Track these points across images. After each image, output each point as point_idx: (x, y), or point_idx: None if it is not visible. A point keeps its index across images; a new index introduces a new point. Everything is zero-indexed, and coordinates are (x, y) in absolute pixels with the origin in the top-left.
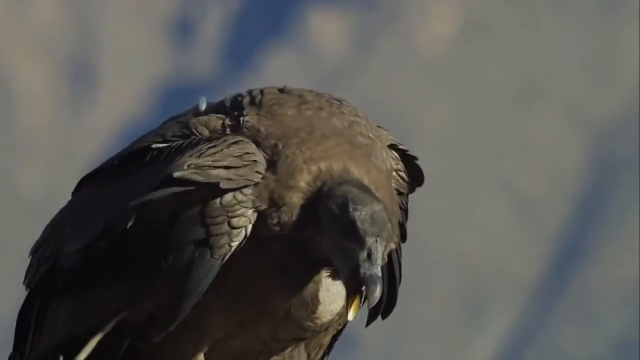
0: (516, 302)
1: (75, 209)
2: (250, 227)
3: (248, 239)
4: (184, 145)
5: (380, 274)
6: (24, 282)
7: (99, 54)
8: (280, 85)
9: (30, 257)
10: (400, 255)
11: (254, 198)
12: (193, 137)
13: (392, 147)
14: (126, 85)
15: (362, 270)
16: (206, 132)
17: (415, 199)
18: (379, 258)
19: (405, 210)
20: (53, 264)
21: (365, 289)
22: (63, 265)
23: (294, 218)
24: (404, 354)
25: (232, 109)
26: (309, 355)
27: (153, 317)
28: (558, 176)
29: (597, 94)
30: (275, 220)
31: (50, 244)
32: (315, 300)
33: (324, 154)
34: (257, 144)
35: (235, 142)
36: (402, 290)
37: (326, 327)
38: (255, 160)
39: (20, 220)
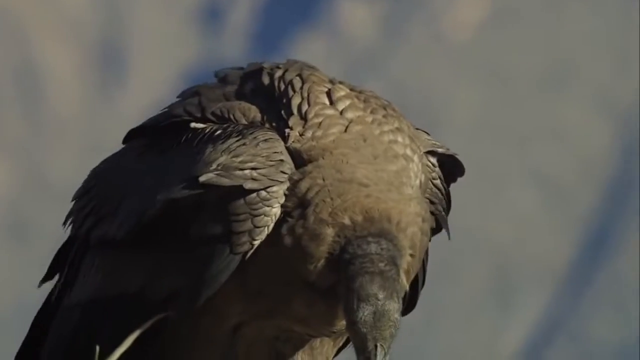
0: (546, 287)
1: (117, 175)
2: (272, 225)
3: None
4: (216, 133)
5: None
6: (63, 223)
7: (128, 40)
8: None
9: (73, 202)
10: (427, 260)
11: (277, 197)
12: (227, 124)
13: (431, 152)
14: (155, 72)
15: None
16: (243, 121)
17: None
18: None
19: (444, 209)
20: (91, 225)
21: None
22: (98, 228)
23: (317, 267)
24: (435, 340)
25: (278, 101)
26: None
27: (172, 298)
28: (587, 161)
29: (626, 79)
30: (301, 272)
31: (91, 202)
32: (333, 315)
33: (352, 202)
34: (295, 167)
35: (265, 140)
36: (432, 276)
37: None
38: (281, 160)
39: (49, 206)
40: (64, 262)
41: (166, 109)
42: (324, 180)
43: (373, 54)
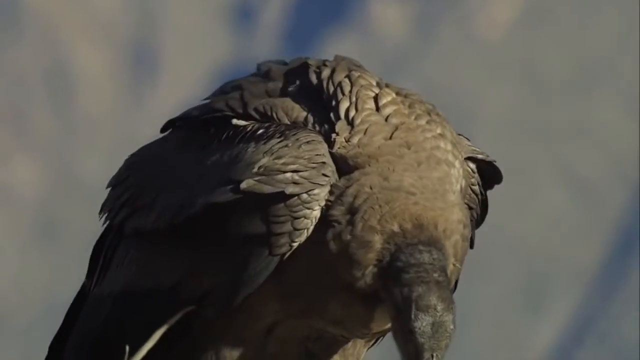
0: (577, 287)
1: (154, 166)
2: (312, 227)
3: (312, 247)
4: (258, 132)
5: None
6: (99, 212)
7: (159, 40)
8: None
9: (109, 190)
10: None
11: (318, 199)
12: (269, 124)
13: (470, 158)
14: (187, 71)
15: None
16: (285, 120)
17: None
18: None
19: (478, 215)
20: (125, 216)
21: None
22: (133, 219)
23: (365, 274)
24: (466, 339)
25: (326, 103)
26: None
27: (208, 295)
28: (618, 161)
29: None
30: (347, 277)
31: (126, 191)
32: (369, 317)
33: (400, 209)
34: (340, 173)
35: (308, 142)
36: (463, 275)
37: (375, 335)
38: (323, 162)
39: (80, 206)
40: (99, 254)
41: (207, 101)
42: (371, 188)
43: (405, 53)
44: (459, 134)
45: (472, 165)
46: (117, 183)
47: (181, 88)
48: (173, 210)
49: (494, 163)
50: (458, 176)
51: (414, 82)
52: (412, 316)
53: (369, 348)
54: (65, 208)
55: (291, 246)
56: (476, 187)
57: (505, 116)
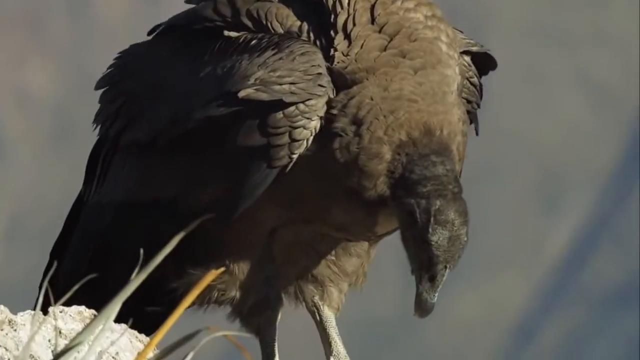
0: (592, 190)
1: (146, 73)
2: (311, 138)
3: (314, 157)
4: (251, 44)
5: (434, 301)
6: (93, 122)
7: None
8: None
9: (101, 92)
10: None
11: (316, 110)
12: (262, 35)
13: (465, 52)
14: None
15: (421, 291)
16: (280, 30)
17: (493, 88)
18: (441, 284)
19: (478, 105)
20: (120, 127)
21: (416, 309)
22: (128, 130)
23: (377, 185)
24: (481, 240)
25: (324, 15)
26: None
27: (208, 208)
28: (634, 65)
29: None
30: (355, 187)
31: (118, 98)
32: (373, 222)
33: (406, 118)
34: (338, 88)
35: (302, 54)
36: (479, 178)
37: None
38: (319, 74)
39: (96, 108)
40: (95, 163)
41: (192, 5)
42: (372, 99)
43: None
44: (455, 28)
45: (467, 58)
46: (109, 86)
47: None
48: (168, 123)
49: (488, 52)
50: (455, 76)
51: None
52: (430, 229)
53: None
54: (81, 111)
55: (291, 158)
56: (474, 79)
57: (522, 19)
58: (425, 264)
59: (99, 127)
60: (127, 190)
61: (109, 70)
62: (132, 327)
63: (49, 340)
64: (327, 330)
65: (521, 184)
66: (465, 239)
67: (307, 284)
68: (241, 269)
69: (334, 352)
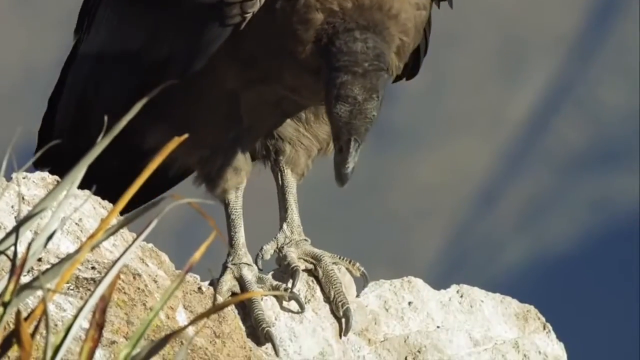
0: (555, 55)
1: None
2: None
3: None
4: None
5: (347, 171)
6: None
7: None
8: None
9: None
10: (430, 30)
11: None
12: None
13: None
14: None
15: (336, 160)
16: None
17: None
18: (350, 155)
19: None
20: None
21: (335, 177)
22: None
23: (306, 50)
24: (443, 105)
25: None
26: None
27: (168, 62)
28: None
29: None
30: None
31: None
32: (320, 89)
33: None
34: None
35: None
36: (440, 43)
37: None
38: None
39: None
40: (86, 11)
41: None
42: None
43: None
44: None
45: None
46: None
47: None
48: None
49: None
50: None
51: None
52: (333, 101)
53: None
54: None
55: (243, 17)
56: None
57: None
58: (335, 135)
59: None
60: (101, 42)
61: None
62: (95, 193)
63: (12, 207)
64: (286, 196)
65: (483, 49)
66: (374, 113)
67: (274, 142)
68: (207, 129)
69: (287, 219)
